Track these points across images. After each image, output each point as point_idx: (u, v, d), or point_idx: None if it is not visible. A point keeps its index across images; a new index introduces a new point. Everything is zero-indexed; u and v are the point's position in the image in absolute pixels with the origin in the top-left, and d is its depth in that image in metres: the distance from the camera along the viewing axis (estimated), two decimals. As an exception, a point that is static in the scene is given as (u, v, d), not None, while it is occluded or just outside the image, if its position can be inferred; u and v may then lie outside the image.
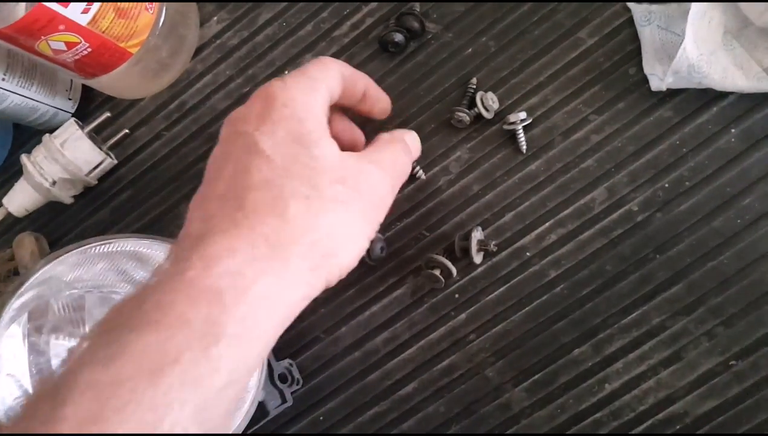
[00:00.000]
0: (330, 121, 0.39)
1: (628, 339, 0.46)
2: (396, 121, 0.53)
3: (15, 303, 0.42)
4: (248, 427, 0.47)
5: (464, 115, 0.50)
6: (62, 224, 0.60)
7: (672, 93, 0.47)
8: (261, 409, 0.48)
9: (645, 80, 0.48)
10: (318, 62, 0.38)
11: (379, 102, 0.45)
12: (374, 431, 0.50)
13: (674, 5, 0.47)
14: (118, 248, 0.47)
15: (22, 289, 0.42)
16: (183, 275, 0.29)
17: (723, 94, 0.46)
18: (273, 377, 0.50)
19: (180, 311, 0.28)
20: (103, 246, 0.46)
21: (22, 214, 0.57)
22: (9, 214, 0.57)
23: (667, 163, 0.47)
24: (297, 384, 0.51)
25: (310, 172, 0.34)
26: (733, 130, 0.46)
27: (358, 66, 0.54)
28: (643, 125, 0.48)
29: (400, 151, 0.41)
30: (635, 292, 0.46)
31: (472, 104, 0.51)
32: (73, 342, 0.48)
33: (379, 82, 0.54)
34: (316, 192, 0.34)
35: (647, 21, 0.48)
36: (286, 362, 0.51)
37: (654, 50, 0.47)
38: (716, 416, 0.44)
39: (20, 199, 0.56)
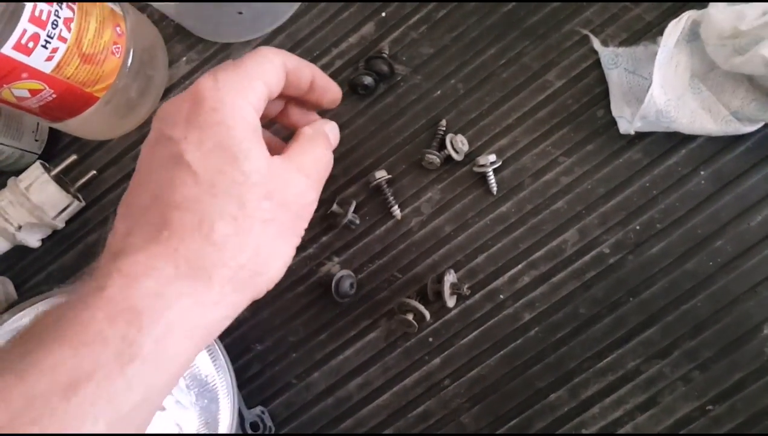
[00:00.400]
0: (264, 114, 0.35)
1: (604, 383, 0.42)
2: (366, 161, 0.49)
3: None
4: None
5: (434, 158, 0.46)
6: (28, 268, 0.55)
7: (641, 135, 0.44)
8: None
9: (613, 122, 0.45)
10: (255, 54, 0.34)
11: (328, 92, 0.40)
12: (348, 482, 0.45)
13: (641, 48, 0.44)
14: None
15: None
16: (102, 292, 0.27)
17: (692, 137, 0.43)
18: (244, 426, 0.45)
19: (97, 328, 0.26)
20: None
21: (-17, 260, 0.52)
22: (-30, 261, 0.52)
23: (638, 205, 0.44)
24: (269, 432, 0.46)
25: (239, 189, 0.30)
26: (702, 173, 0.43)
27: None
28: (612, 167, 0.44)
29: (324, 148, 0.38)
30: (610, 335, 0.43)
31: (441, 146, 0.47)
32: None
33: (349, 123, 0.50)
34: (244, 211, 0.30)
35: (614, 64, 0.45)
36: (258, 409, 0.46)
37: (622, 93, 0.44)
38: (695, 463, 0.40)
39: (-19, 245, 0.51)
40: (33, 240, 0.52)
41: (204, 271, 0.29)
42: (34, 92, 0.44)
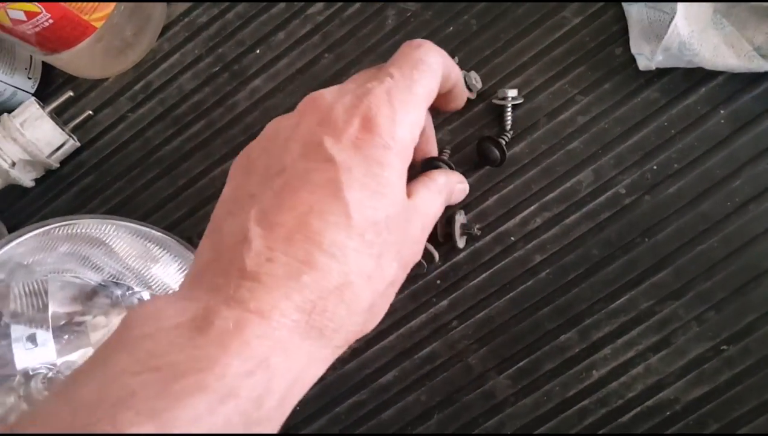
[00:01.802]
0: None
1: (615, 325, 0.42)
2: (375, 102, 0.48)
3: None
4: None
5: (446, 95, 0.45)
6: (22, 209, 0.53)
7: (659, 73, 0.43)
8: None
9: (631, 60, 0.44)
10: (425, 64, 0.30)
11: (458, 100, 0.37)
12: (352, 421, 0.45)
13: (661, -17, 0.43)
14: (81, 230, 0.41)
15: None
16: (241, 333, 0.23)
17: (711, 75, 0.42)
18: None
19: (234, 384, 0.23)
20: (65, 228, 0.40)
21: (-26, 198, 0.50)
22: (-40, 199, 0.50)
23: (655, 145, 0.43)
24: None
25: (379, 248, 0.27)
26: (721, 112, 0.42)
27: (333, 45, 0.49)
28: (630, 106, 0.44)
29: (445, 201, 0.35)
30: (622, 277, 0.42)
31: (454, 84, 0.46)
32: (33, 328, 0.42)
33: (356, 62, 0.49)
34: (378, 272, 0.27)
35: (634, -1, 0.44)
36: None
37: (641, 29, 0.43)
38: (707, 403, 0.40)
39: (-26, 181, 0.50)
40: (27, 179, 0.51)
41: (329, 330, 0.26)
42: (30, 15, 0.42)
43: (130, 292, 0.45)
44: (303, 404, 0.45)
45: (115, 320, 0.44)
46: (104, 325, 0.43)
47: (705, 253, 0.41)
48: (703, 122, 0.43)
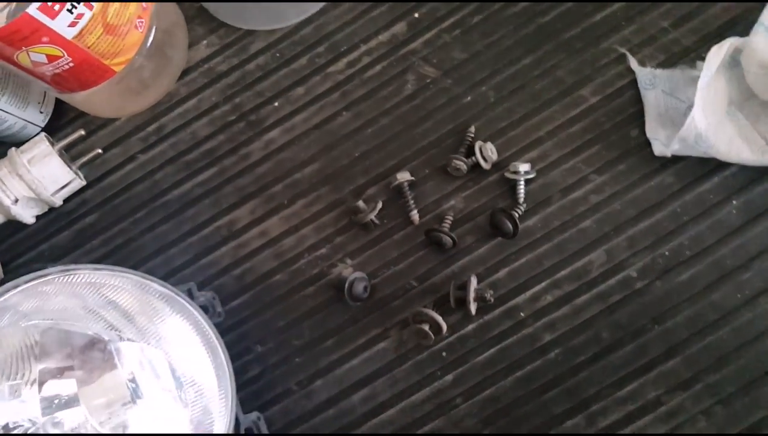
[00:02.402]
0: None
1: (623, 413, 0.42)
2: (389, 163, 0.49)
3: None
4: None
5: (462, 164, 0.46)
6: (19, 244, 0.53)
7: (674, 159, 0.44)
8: None
9: (647, 143, 0.45)
10: None
11: None
12: (345, 497, 0.44)
13: (678, 71, 0.45)
14: (81, 280, 0.40)
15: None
16: None
17: (725, 164, 0.43)
18: (238, 431, 0.43)
19: None
20: (64, 277, 0.39)
21: (-28, 232, 0.49)
22: (-43, 232, 0.50)
23: (668, 230, 0.43)
24: (264, 440, 0.44)
25: None
26: (734, 202, 0.43)
27: (352, 104, 0.50)
28: (644, 189, 0.44)
29: None
30: (631, 363, 0.42)
31: (469, 153, 0.47)
32: (19, 380, 0.41)
33: (372, 122, 0.49)
34: None
35: (651, 85, 0.45)
36: (254, 415, 0.45)
37: (657, 114, 0.44)
38: (713, 502, 0.40)
39: (-27, 215, 0.49)
40: (28, 216, 0.50)
41: None
42: (51, 58, 0.42)
43: (126, 343, 0.43)
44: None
45: (107, 377, 0.42)
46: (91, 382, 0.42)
47: (715, 344, 0.41)
48: (715, 211, 0.43)
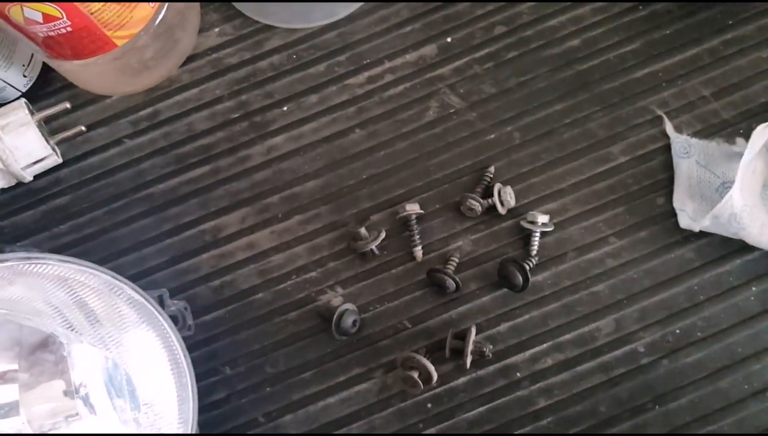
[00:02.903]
0: None
1: (612, 495, 0.39)
2: (397, 191, 0.46)
3: None
4: None
5: (477, 204, 0.43)
6: (-25, 218, 0.48)
7: (697, 234, 0.43)
8: None
9: (672, 213, 0.43)
10: None
11: None
12: None
13: (714, 144, 0.44)
14: (43, 271, 0.36)
15: None
16: None
17: (748, 248, 0.42)
18: (193, 462, 0.39)
19: None
20: (27, 265, 0.35)
21: (-73, 196, 0.45)
22: None
23: (682, 307, 0.42)
24: (221, 474, 0.40)
25: None
26: (754, 288, 0.42)
27: (367, 121, 0.47)
28: (662, 261, 0.43)
29: None
30: (627, 442, 0.40)
31: (486, 194, 0.44)
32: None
33: (386, 145, 0.47)
34: None
35: (686, 154, 0.43)
36: (213, 445, 0.41)
37: (688, 185, 0.43)
38: None
39: (-70, 178, 0.44)
40: (-9, 187, 0.46)
41: None
42: (48, 18, 0.38)
43: (83, 347, 0.39)
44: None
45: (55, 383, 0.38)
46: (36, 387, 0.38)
47: (717, 433, 0.40)
48: (733, 295, 0.42)
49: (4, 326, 0.37)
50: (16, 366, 0.36)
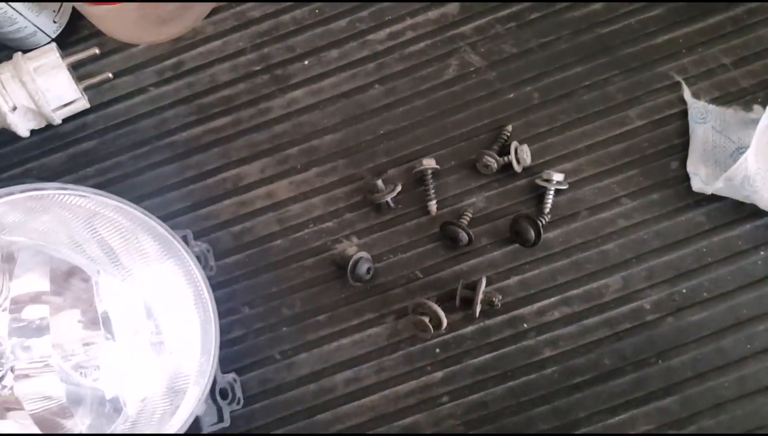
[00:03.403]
0: None
1: (610, 443, 0.41)
2: (414, 147, 0.47)
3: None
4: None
5: (493, 161, 0.45)
6: (6, 157, 0.50)
7: (708, 199, 0.44)
8: (194, 423, 0.40)
9: (685, 178, 0.44)
10: None
11: None
12: (311, 481, 0.43)
13: (731, 111, 0.45)
14: (75, 203, 0.38)
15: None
16: None
17: (758, 214, 0.43)
18: (214, 391, 0.42)
19: None
20: (63, 196, 0.37)
21: (-38, 134, 0.47)
22: (-56, 131, 0.47)
23: (689, 268, 0.43)
24: (237, 404, 0.43)
25: None
26: (761, 253, 0.43)
27: (386, 78, 0.48)
28: (673, 223, 0.44)
29: None
30: (628, 393, 0.42)
31: (502, 151, 0.46)
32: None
33: (406, 101, 0.48)
34: None
35: (702, 119, 0.44)
36: (231, 376, 0.43)
37: (703, 150, 0.44)
38: None
39: (-35, 116, 0.46)
40: (23, 128, 0.48)
41: None
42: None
43: (109, 278, 0.42)
44: (262, 445, 0.43)
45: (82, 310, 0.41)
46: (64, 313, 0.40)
47: (716, 390, 0.42)
48: (741, 258, 0.43)
49: (34, 254, 0.40)
50: (47, 289, 0.39)
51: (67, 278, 0.41)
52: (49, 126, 0.50)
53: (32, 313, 0.40)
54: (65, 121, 0.49)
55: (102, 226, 0.41)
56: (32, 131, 0.49)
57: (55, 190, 0.37)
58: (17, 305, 0.39)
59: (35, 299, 0.40)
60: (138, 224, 0.40)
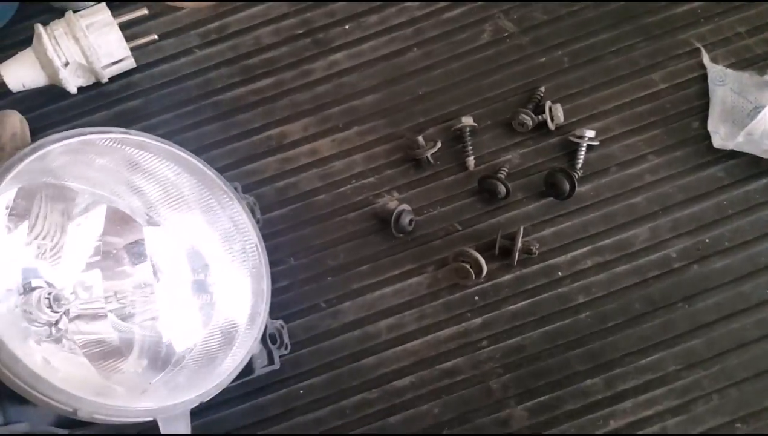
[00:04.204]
0: None
1: (641, 381, 0.44)
2: (451, 107, 0.50)
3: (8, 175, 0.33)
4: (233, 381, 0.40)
5: (528, 119, 0.47)
6: (53, 113, 0.51)
7: (728, 155, 0.47)
8: (247, 367, 0.41)
9: (705, 136, 0.47)
10: None
11: None
12: (357, 418, 0.45)
13: (747, 75, 0.48)
14: (128, 149, 0.40)
15: (20, 166, 0.34)
16: None
17: (775, 169, 0.46)
18: (264, 335, 0.43)
19: None
20: (114, 142, 0.39)
21: (17, 88, 0.48)
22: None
23: (712, 220, 0.46)
24: (285, 349, 0.44)
25: None
26: (778, 205, 0.46)
27: (424, 42, 0.51)
28: (696, 178, 0.47)
29: None
30: (657, 336, 0.45)
31: (537, 110, 0.48)
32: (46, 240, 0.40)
33: (443, 64, 0.50)
34: None
35: (721, 82, 0.47)
36: (278, 322, 0.45)
37: (722, 110, 0.47)
38: (713, 476, 0.43)
39: (21, 70, 0.47)
40: (73, 84, 0.49)
41: None
42: None
43: (160, 229, 0.43)
44: (308, 389, 0.45)
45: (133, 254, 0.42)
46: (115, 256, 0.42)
47: (739, 332, 0.44)
48: (759, 210, 0.46)
49: (92, 199, 0.41)
50: (101, 230, 0.40)
51: (121, 224, 0.42)
52: (96, 85, 0.51)
53: (86, 254, 0.41)
54: (112, 80, 0.51)
55: (163, 170, 0.42)
56: (79, 89, 0.50)
57: (120, 133, 0.38)
58: (72, 247, 0.40)
59: (92, 242, 0.41)
60: (192, 172, 0.42)
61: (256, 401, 0.45)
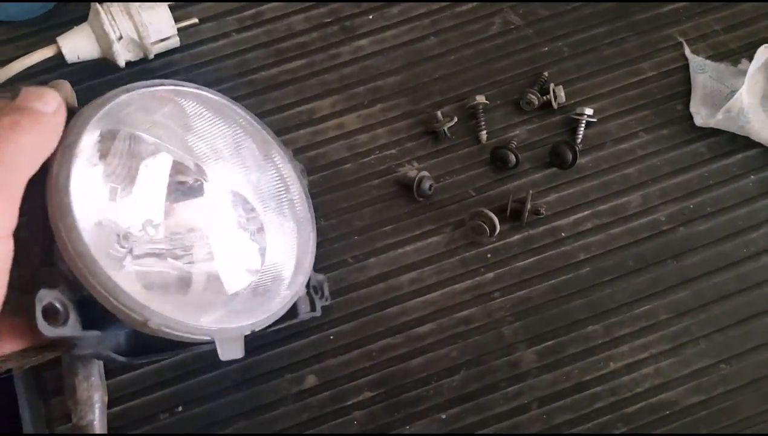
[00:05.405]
0: None
1: (636, 327, 0.49)
2: (465, 88, 0.55)
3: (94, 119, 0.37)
4: (277, 322, 0.43)
5: (534, 98, 0.53)
6: (99, 88, 0.55)
7: (708, 133, 0.53)
8: (291, 310, 0.44)
9: (688, 117, 0.53)
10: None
11: None
12: (383, 360, 0.48)
13: (723, 66, 0.54)
14: (192, 104, 0.44)
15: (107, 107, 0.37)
16: None
17: (749, 145, 0.52)
18: (309, 284, 0.47)
19: None
20: (191, 96, 0.42)
21: (72, 59, 0.52)
22: (54, 57, 0.52)
23: (695, 188, 0.52)
24: (326, 301, 0.48)
25: None
26: (752, 177, 0.52)
27: (440, 31, 0.56)
28: (680, 152, 0.53)
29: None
30: (649, 288, 0.50)
31: (542, 91, 0.54)
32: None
33: (457, 51, 0.56)
34: None
35: (702, 70, 0.54)
36: (321, 276, 0.48)
37: (703, 94, 0.53)
38: (701, 409, 0.47)
39: (77, 43, 0.51)
40: (122, 58, 0.53)
41: None
42: None
43: (217, 181, 0.46)
44: (338, 335, 0.48)
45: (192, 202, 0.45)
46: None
47: (721, 285, 0.50)
48: (735, 181, 0.52)
49: (155, 148, 0.44)
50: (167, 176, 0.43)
51: (179, 172, 0.45)
52: (141, 61, 0.55)
53: (155, 197, 0.44)
54: (156, 57, 0.55)
55: (223, 124, 0.45)
56: (126, 64, 0.54)
57: (195, 88, 0.42)
58: (143, 188, 0.43)
59: (158, 185, 0.44)
60: (249, 125, 0.46)
61: (290, 345, 0.48)
